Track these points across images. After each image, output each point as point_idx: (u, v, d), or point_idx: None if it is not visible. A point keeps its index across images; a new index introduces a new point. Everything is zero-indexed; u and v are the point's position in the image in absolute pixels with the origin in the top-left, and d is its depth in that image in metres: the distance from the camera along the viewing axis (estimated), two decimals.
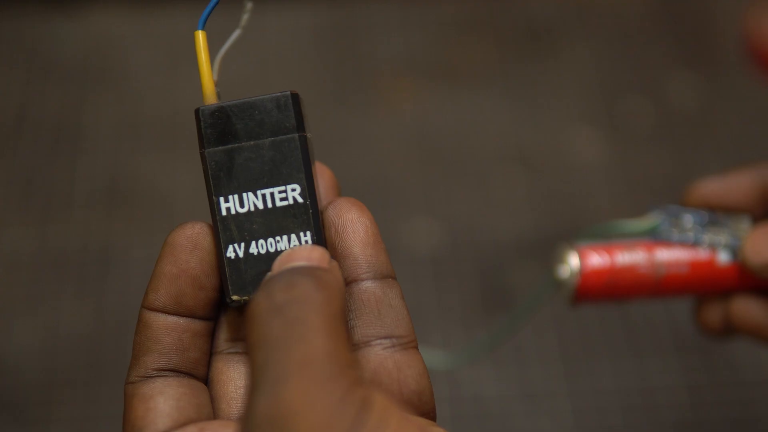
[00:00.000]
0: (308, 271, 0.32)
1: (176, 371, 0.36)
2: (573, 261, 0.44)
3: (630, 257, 0.44)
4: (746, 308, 0.46)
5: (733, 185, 0.46)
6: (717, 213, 0.46)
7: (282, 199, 0.35)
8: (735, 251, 0.45)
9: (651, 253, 0.44)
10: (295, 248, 0.35)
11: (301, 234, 0.34)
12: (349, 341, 0.31)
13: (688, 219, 0.46)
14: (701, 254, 0.45)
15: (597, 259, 0.44)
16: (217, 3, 0.36)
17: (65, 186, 0.91)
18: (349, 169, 0.92)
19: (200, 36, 0.35)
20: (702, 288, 0.46)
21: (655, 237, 0.45)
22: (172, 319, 0.37)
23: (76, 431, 0.77)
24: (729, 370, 0.79)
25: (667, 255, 0.44)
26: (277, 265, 0.34)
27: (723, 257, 0.45)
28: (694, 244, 0.45)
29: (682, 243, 0.45)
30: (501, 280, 0.84)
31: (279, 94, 0.36)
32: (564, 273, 0.44)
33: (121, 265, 0.85)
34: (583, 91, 0.97)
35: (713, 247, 0.45)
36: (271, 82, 1.00)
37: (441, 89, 0.97)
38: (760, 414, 0.77)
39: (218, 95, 0.37)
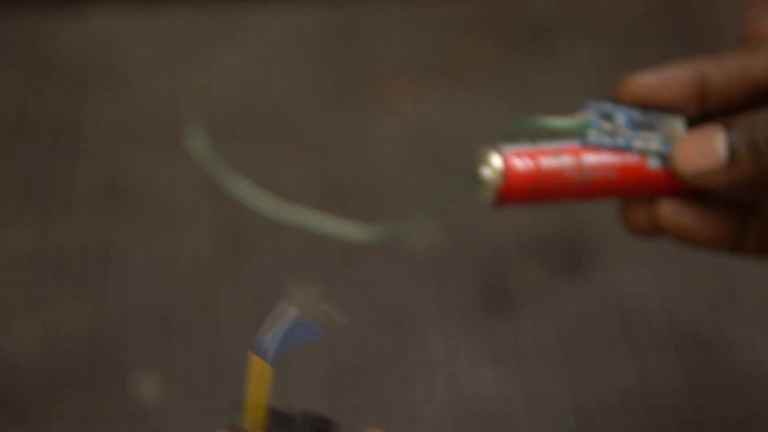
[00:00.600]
0: None
1: None
2: (496, 163, 0.42)
3: (556, 162, 0.42)
4: (674, 211, 0.44)
5: (668, 79, 0.44)
6: (651, 111, 0.44)
7: None
8: (666, 157, 0.43)
9: (578, 158, 0.43)
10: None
11: None
12: None
13: (620, 118, 0.44)
14: (631, 159, 0.43)
15: (521, 163, 0.42)
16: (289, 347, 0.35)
17: (65, 186, 0.91)
18: (349, 169, 0.92)
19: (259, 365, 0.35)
20: (630, 192, 0.44)
21: (584, 138, 0.43)
22: None
23: (76, 431, 0.77)
24: (730, 371, 0.78)
25: (595, 159, 0.43)
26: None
27: (653, 162, 0.43)
28: (625, 149, 0.43)
29: (612, 148, 0.43)
30: (501, 280, 0.84)
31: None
32: (487, 174, 0.42)
33: (121, 265, 0.85)
34: (583, 91, 0.97)
35: (644, 152, 0.43)
36: (271, 82, 1.00)
37: (441, 89, 0.97)
38: (761, 414, 0.77)
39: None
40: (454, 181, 0.45)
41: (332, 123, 0.96)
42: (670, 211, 0.44)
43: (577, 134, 0.44)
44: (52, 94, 0.98)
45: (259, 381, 0.33)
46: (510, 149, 0.43)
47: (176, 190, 0.91)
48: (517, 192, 0.42)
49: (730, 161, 0.40)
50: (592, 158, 0.43)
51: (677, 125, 0.44)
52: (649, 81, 0.44)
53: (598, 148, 0.43)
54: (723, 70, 0.43)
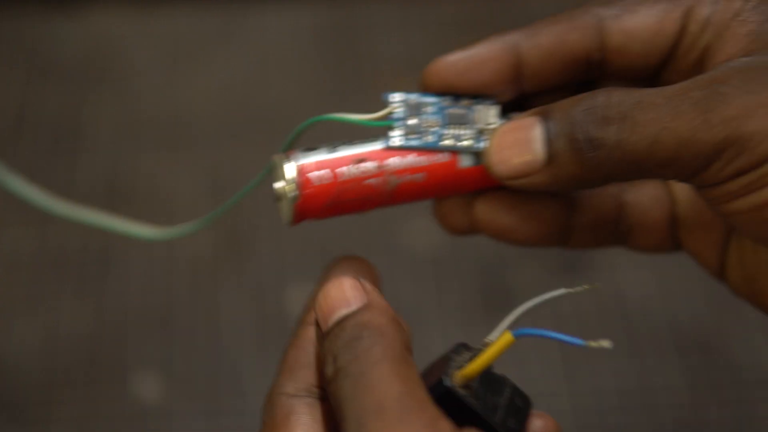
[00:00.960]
0: (357, 323, 0.34)
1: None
2: (290, 174, 0.37)
3: (357, 170, 0.37)
4: (491, 212, 0.40)
5: (477, 59, 0.39)
6: (463, 98, 0.39)
7: None
8: (479, 155, 0.38)
9: (381, 163, 0.37)
10: (325, 291, 0.36)
11: None
12: (417, 376, 0.33)
13: (428, 110, 0.39)
14: (440, 158, 0.38)
15: (317, 176, 0.37)
16: None
17: (65, 185, 0.91)
18: None
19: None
20: (443, 193, 0.39)
21: (387, 139, 0.38)
22: None
23: (76, 431, 0.77)
24: (729, 370, 0.78)
25: (400, 163, 0.38)
26: (321, 318, 0.35)
27: (466, 161, 0.38)
28: (433, 149, 0.38)
29: (419, 149, 0.38)
30: (501, 280, 0.84)
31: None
32: (281, 188, 0.37)
33: (121, 265, 0.85)
34: None
35: (455, 151, 0.38)
36: (271, 82, 1.00)
37: None
38: (761, 414, 0.77)
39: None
40: (251, 183, 0.41)
41: (332, 122, 0.96)
42: (486, 211, 0.40)
43: (383, 132, 0.39)
44: (52, 94, 0.98)
45: (497, 349, 0.33)
46: (307, 158, 0.38)
47: (176, 189, 0.91)
48: (316, 208, 0.37)
49: (549, 160, 0.35)
50: (396, 162, 0.38)
51: (491, 114, 0.39)
52: (456, 63, 0.39)
53: (403, 150, 0.38)
54: (537, 46, 0.39)
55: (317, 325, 0.36)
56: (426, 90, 0.40)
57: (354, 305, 0.35)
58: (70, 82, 0.99)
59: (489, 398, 0.35)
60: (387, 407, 0.31)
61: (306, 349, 0.37)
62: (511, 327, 0.35)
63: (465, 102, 0.39)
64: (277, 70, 1.01)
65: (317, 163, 0.38)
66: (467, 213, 0.41)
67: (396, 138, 0.38)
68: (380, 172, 0.37)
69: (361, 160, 0.38)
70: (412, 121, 0.39)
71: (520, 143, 0.36)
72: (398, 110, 0.39)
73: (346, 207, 0.38)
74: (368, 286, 0.36)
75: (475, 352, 0.35)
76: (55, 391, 0.79)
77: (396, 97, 0.40)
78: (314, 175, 0.37)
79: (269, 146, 0.95)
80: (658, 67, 0.38)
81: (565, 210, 0.41)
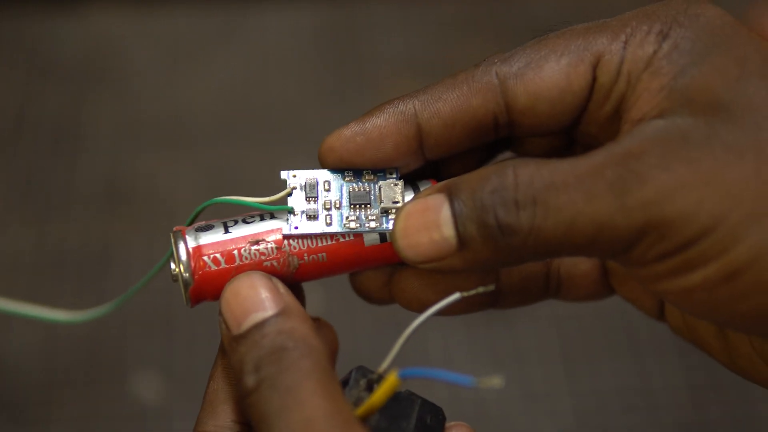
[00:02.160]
0: (278, 330, 0.32)
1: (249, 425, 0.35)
2: (182, 257, 0.35)
3: (254, 252, 0.35)
4: (410, 287, 0.37)
5: (374, 135, 0.36)
6: (364, 172, 0.37)
7: None
8: (387, 235, 0.36)
9: (280, 245, 0.35)
10: (236, 291, 0.34)
11: None
12: (341, 390, 0.31)
13: (328, 189, 0.37)
14: (344, 239, 0.36)
15: (211, 260, 0.35)
16: None
17: (65, 185, 0.91)
18: None
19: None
20: (350, 270, 0.37)
21: (287, 223, 0.36)
22: None
23: (75, 431, 0.77)
24: (729, 370, 0.78)
25: (300, 245, 0.35)
26: (233, 321, 0.33)
27: (371, 239, 0.36)
28: (336, 234, 0.36)
29: (319, 236, 0.36)
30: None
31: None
32: (175, 271, 0.36)
33: (120, 265, 0.85)
34: None
35: (360, 233, 0.36)
36: (271, 82, 1.00)
37: None
38: (761, 414, 0.77)
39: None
40: (158, 264, 0.39)
41: (332, 122, 0.96)
42: (407, 288, 0.38)
43: (280, 213, 0.36)
44: (52, 94, 0.98)
45: (383, 394, 0.31)
46: (202, 238, 0.36)
47: (176, 189, 0.91)
48: (211, 291, 0.35)
49: (461, 246, 0.33)
50: (295, 244, 0.35)
51: (396, 192, 0.36)
52: (352, 139, 0.37)
53: (304, 232, 0.36)
54: (436, 115, 0.36)
55: (224, 324, 0.34)
56: (324, 166, 0.38)
57: (270, 309, 0.33)
58: (70, 82, 0.99)
59: (394, 426, 0.33)
60: (316, 425, 0.30)
61: (225, 382, 0.35)
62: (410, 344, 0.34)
63: (367, 177, 0.37)
64: (277, 70, 1.01)
65: (212, 245, 0.35)
66: (385, 285, 0.39)
67: (294, 224, 0.36)
68: (279, 254, 0.35)
69: (258, 241, 0.35)
70: (311, 205, 0.36)
71: (428, 227, 0.33)
72: (296, 192, 0.37)
73: None
74: (282, 287, 0.34)
75: (370, 378, 0.34)
76: (54, 391, 0.79)
77: (294, 176, 0.37)
78: (208, 258, 0.35)
79: (269, 146, 0.95)
80: (573, 122, 0.36)
81: (489, 277, 0.39)
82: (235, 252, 0.35)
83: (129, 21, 1.05)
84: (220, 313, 0.34)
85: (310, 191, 0.37)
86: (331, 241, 0.36)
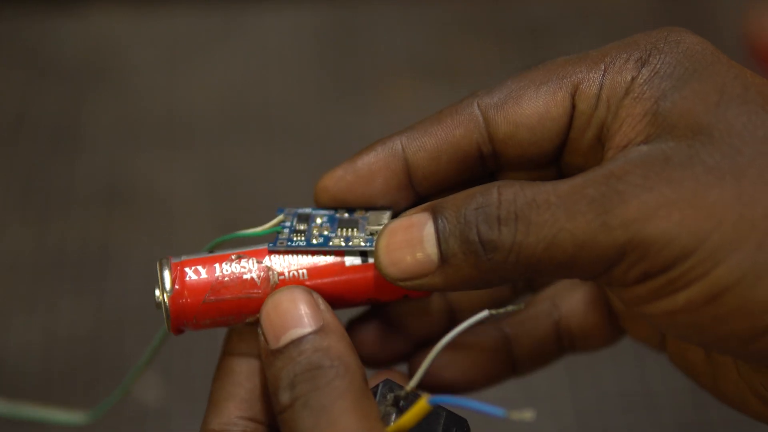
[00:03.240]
0: (316, 348, 0.33)
1: (257, 421, 0.35)
2: (166, 278, 0.36)
3: (236, 264, 0.36)
4: (431, 368, 0.37)
5: (363, 172, 0.37)
6: (357, 210, 0.38)
7: None
8: (369, 255, 0.36)
9: (261, 259, 0.36)
10: (278, 304, 0.34)
11: None
12: (377, 410, 0.32)
13: (319, 220, 0.37)
14: (325, 260, 0.36)
15: (194, 270, 0.36)
16: None
17: (64, 185, 0.91)
18: None
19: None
20: (330, 291, 0.36)
21: (274, 243, 0.37)
22: (255, 364, 0.37)
23: (74, 431, 0.77)
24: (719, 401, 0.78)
25: (280, 261, 0.36)
26: (272, 334, 0.34)
27: (353, 259, 0.36)
28: (319, 249, 0.36)
29: (303, 249, 0.36)
30: None
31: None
32: (159, 295, 0.36)
33: (120, 265, 0.85)
34: None
35: (342, 251, 0.36)
36: (271, 81, 1.00)
37: (442, 88, 0.97)
38: None
39: None
40: (153, 343, 0.41)
41: (332, 122, 0.96)
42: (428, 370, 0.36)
43: (270, 240, 0.37)
44: (52, 94, 0.98)
45: (413, 417, 0.31)
46: (187, 256, 0.36)
47: (175, 189, 0.91)
48: (191, 306, 0.35)
49: (442, 262, 0.33)
50: (276, 260, 0.36)
51: (384, 218, 0.37)
52: (343, 178, 0.38)
53: (288, 251, 0.36)
54: (422, 149, 0.37)
55: (263, 337, 0.34)
56: (319, 206, 0.39)
57: (308, 326, 0.33)
58: (70, 82, 0.99)
59: None
60: None
61: (228, 381, 0.36)
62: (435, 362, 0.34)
63: (360, 213, 0.38)
64: (277, 69, 1.01)
65: (194, 260, 0.36)
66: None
67: (280, 241, 0.36)
68: (260, 268, 0.36)
69: (240, 256, 0.36)
70: (301, 227, 0.37)
71: (411, 243, 0.33)
72: (288, 221, 0.38)
73: (228, 306, 0.36)
74: (322, 303, 0.35)
75: (397, 395, 0.34)
76: (53, 391, 0.78)
77: (287, 211, 0.38)
78: (189, 269, 0.36)
79: (268, 146, 0.95)
80: (556, 152, 0.36)
81: (501, 348, 0.40)
82: (216, 265, 0.36)
83: (129, 21, 1.04)
84: (260, 325, 0.34)
85: (302, 220, 0.37)
86: (312, 259, 0.36)
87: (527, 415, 0.30)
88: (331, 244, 0.36)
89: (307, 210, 0.38)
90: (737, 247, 0.29)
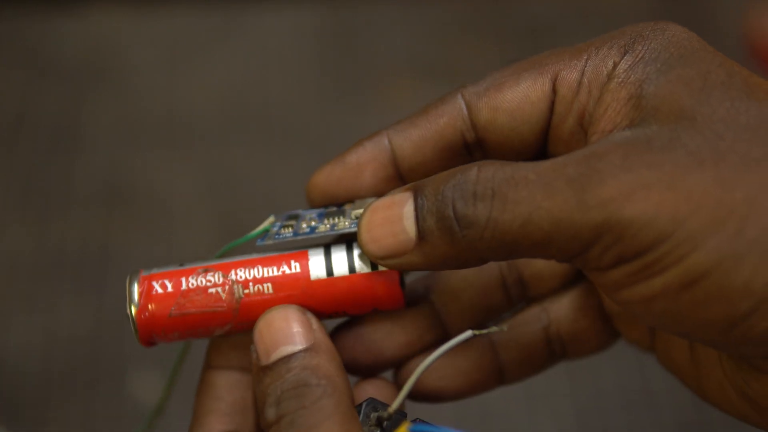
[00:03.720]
0: (305, 365, 0.33)
1: None
2: (134, 292, 0.37)
3: (202, 278, 0.36)
4: (431, 376, 0.39)
5: (351, 165, 0.38)
6: (345, 205, 0.38)
7: None
8: (352, 262, 0.36)
9: (226, 273, 0.36)
10: (271, 321, 0.34)
11: None
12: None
13: (308, 216, 0.38)
14: (290, 271, 0.36)
15: (160, 284, 0.36)
16: None
17: (64, 185, 0.91)
18: None
19: None
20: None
21: (263, 239, 0.37)
22: (236, 376, 0.37)
23: (74, 431, 0.77)
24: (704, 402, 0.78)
25: (245, 274, 0.36)
26: (262, 350, 0.34)
27: (317, 271, 0.36)
28: (306, 237, 0.36)
29: (289, 240, 0.37)
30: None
31: None
32: (128, 308, 0.37)
33: (120, 265, 0.85)
34: None
35: (327, 236, 0.36)
36: (271, 81, 1.00)
37: (442, 88, 0.97)
38: None
39: None
40: (153, 411, 0.41)
41: (332, 122, 0.96)
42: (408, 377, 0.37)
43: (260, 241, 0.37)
44: (52, 94, 0.98)
45: None
46: (157, 269, 0.37)
47: (175, 189, 0.91)
48: (159, 318, 0.36)
49: (420, 239, 0.33)
50: (242, 273, 0.36)
51: (369, 202, 0.37)
52: (332, 172, 0.38)
53: (256, 259, 0.36)
54: (407, 138, 0.37)
55: (255, 353, 0.34)
56: (312, 206, 0.39)
57: (299, 344, 0.34)
58: (70, 82, 0.99)
59: None
60: None
61: (209, 395, 0.36)
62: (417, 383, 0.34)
63: (348, 206, 0.38)
64: (277, 69, 1.01)
65: (162, 273, 0.37)
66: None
67: (269, 236, 0.37)
68: (225, 281, 0.36)
69: (206, 270, 0.36)
70: (288, 222, 0.38)
71: (391, 221, 0.33)
72: (278, 222, 0.38)
73: (194, 320, 0.36)
74: (315, 322, 0.35)
75: (380, 415, 0.34)
76: (53, 390, 0.78)
77: (279, 215, 0.39)
78: (156, 283, 0.37)
79: (268, 146, 0.95)
80: (539, 140, 0.36)
81: (487, 356, 0.40)
82: (183, 279, 0.36)
83: (129, 21, 1.04)
84: (252, 342, 0.35)
85: (291, 217, 0.38)
86: (277, 272, 0.36)
87: None
88: (317, 231, 0.37)
89: (298, 211, 0.39)
90: (715, 232, 0.29)
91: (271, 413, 0.32)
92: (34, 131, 0.95)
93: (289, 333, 0.34)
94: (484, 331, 0.35)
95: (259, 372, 0.34)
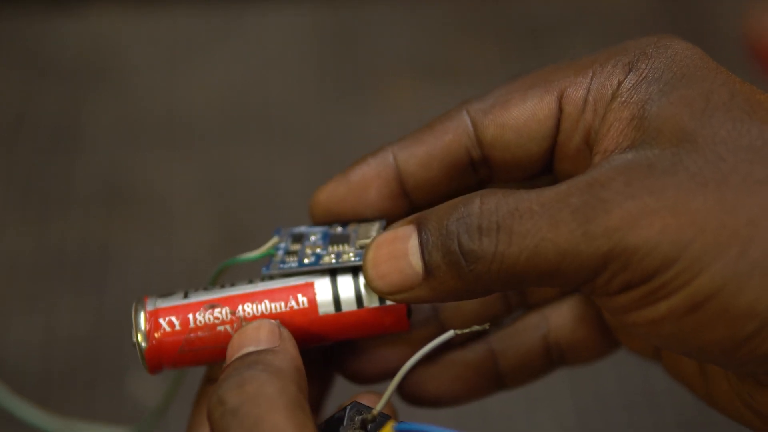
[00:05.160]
0: (257, 359, 0.32)
1: None
2: (141, 324, 0.37)
3: (209, 316, 0.36)
4: (413, 383, 0.39)
5: (356, 182, 0.38)
6: (351, 223, 0.38)
7: None
8: (359, 295, 0.36)
9: (234, 309, 0.36)
10: (243, 329, 0.35)
11: None
12: (314, 424, 0.31)
13: (313, 238, 0.38)
14: (298, 306, 0.36)
15: (167, 321, 0.36)
16: None
17: (64, 185, 0.91)
18: None
19: None
20: (304, 342, 0.36)
21: (266, 266, 0.37)
22: None
23: None
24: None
25: (253, 310, 0.36)
26: (229, 353, 0.34)
27: (326, 308, 0.36)
28: (310, 269, 0.36)
29: (294, 271, 0.36)
30: None
31: None
32: (134, 337, 0.37)
33: (119, 265, 0.85)
34: None
35: (332, 269, 0.36)
36: (271, 81, 1.00)
37: (442, 88, 0.97)
38: None
39: None
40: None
41: (332, 122, 0.96)
42: (409, 384, 0.38)
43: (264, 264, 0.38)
44: (52, 94, 0.98)
45: None
46: (162, 303, 0.37)
47: (175, 189, 0.91)
48: (167, 355, 0.37)
49: (427, 275, 0.33)
50: (249, 309, 0.36)
51: (373, 229, 0.37)
52: (335, 190, 0.38)
53: (262, 292, 0.36)
54: (413, 155, 0.37)
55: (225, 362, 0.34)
56: (315, 223, 0.39)
57: (262, 345, 0.34)
58: (69, 82, 0.99)
59: None
60: None
61: (205, 406, 0.35)
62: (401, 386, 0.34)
63: (353, 226, 0.38)
64: (277, 69, 1.01)
65: (168, 309, 0.37)
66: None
67: (273, 264, 0.37)
68: (233, 318, 0.36)
69: (213, 306, 0.36)
70: (293, 248, 0.37)
71: (396, 256, 0.33)
72: (283, 242, 0.38)
73: (203, 355, 0.36)
74: (286, 334, 0.34)
75: (365, 418, 0.33)
76: (53, 391, 0.78)
77: (282, 232, 0.39)
78: (164, 321, 0.36)
79: (268, 146, 0.95)
80: (546, 157, 0.36)
81: (485, 362, 0.40)
82: (190, 316, 0.36)
83: (128, 21, 1.04)
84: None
85: (295, 240, 0.37)
86: (284, 308, 0.36)
87: None
88: (322, 262, 0.36)
89: (302, 229, 0.38)
90: (719, 255, 0.29)
91: (213, 399, 0.31)
92: (34, 131, 0.95)
93: (255, 337, 0.34)
94: (466, 330, 0.35)
95: (221, 371, 0.34)
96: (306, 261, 0.36)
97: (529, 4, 1.05)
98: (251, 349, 0.33)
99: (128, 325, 0.37)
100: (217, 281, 0.39)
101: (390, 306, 0.36)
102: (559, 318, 0.40)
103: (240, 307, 0.36)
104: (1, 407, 0.47)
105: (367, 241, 0.36)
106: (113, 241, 0.87)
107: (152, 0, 1.05)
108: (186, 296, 0.37)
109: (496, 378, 0.40)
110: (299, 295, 0.36)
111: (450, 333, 0.34)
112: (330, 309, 0.36)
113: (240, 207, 0.90)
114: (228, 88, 0.99)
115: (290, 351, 0.34)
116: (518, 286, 0.33)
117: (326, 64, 1.02)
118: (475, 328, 0.35)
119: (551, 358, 0.41)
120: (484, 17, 1.04)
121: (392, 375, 0.39)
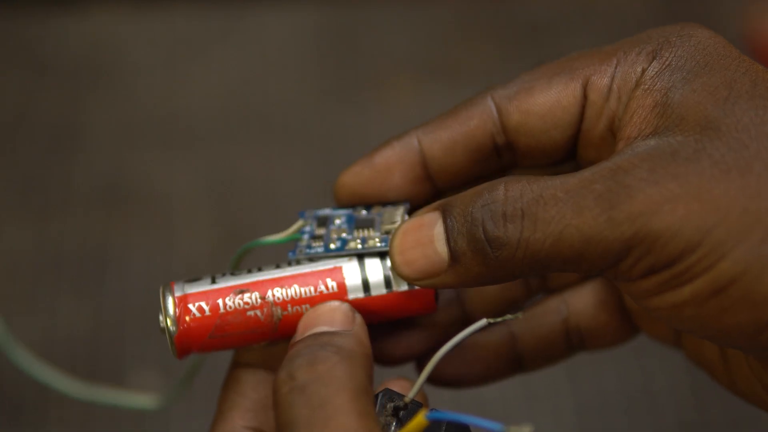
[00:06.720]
0: (330, 341, 0.33)
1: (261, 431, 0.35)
2: (170, 309, 0.36)
3: (239, 301, 0.36)
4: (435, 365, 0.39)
5: (380, 165, 0.38)
6: (375, 206, 0.38)
7: None
8: (387, 279, 0.36)
9: (264, 294, 0.36)
10: (318, 307, 0.35)
11: None
12: (375, 412, 0.31)
13: (337, 221, 0.38)
14: (327, 291, 0.36)
15: (197, 307, 0.36)
16: None
17: (63, 185, 0.91)
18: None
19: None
20: None
21: (294, 250, 0.37)
22: (262, 375, 0.37)
23: (73, 431, 0.77)
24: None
25: (283, 294, 0.36)
26: (301, 329, 0.34)
27: (355, 293, 0.36)
28: (336, 254, 0.36)
29: (320, 256, 0.37)
30: None
31: None
32: (163, 322, 0.37)
33: (119, 265, 0.85)
34: None
35: (359, 254, 0.36)
36: (271, 81, 1.00)
37: (442, 88, 0.97)
38: (762, 415, 0.77)
39: None
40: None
41: (333, 121, 0.96)
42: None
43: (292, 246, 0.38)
44: (51, 94, 0.98)
45: (415, 428, 0.32)
46: (190, 288, 0.37)
47: (174, 189, 0.91)
48: (196, 340, 0.36)
49: (453, 261, 0.33)
50: (279, 293, 0.36)
51: (398, 214, 0.37)
52: (360, 173, 0.38)
53: (291, 277, 0.36)
54: (437, 140, 0.37)
55: (293, 339, 0.35)
56: (340, 205, 0.39)
57: (337, 326, 0.34)
58: (69, 82, 0.99)
59: None
60: None
61: (234, 391, 0.36)
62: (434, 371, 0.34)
63: (377, 209, 0.38)
64: (277, 69, 1.01)
65: (197, 294, 0.36)
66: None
67: (299, 249, 0.37)
68: (263, 304, 0.36)
69: (242, 291, 0.36)
70: (319, 232, 0.38)
71: (422, 243, 0.34)
72: (308, 226, 0.38)
73: (232, 340, 0.36)
74: (359, 319, 0.35)
75: (397, 405, 0.34)
76: (53, 391, 0.78)
77: (307, 214, 0.39)
78: (193, 306, 0.36)
79: (268, 146, 0.95)
80: (569, 144, 0.36)
81: (506, 345, 0.41)
82: (220, 301, 0.36)
83: (129, 21, 1.04)
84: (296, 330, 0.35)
85: (320, 223, 0.38)
86: (313, 292, 0.36)
87: (526, 429, 0.30)
88: (347, 247, 0.37)
89: (327, 211, 0.39)
90: (742, 240, 0.29)
91: (282, 374, 0.32)
92: (34, 131, 0.95)
93: (329, 318, 0.35)
94: (499, 320, 0.35)
95: (290, 347, 0.34)
96: (332, 246, 0.37)
97: (529, 4, 1.05)
98: (324, 329, 0.34)
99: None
100: (238, 264, 0.39)
101: (419, 289, 0.36)
102: (580, 302, 0.41)
103: (269, 292, 0.36)
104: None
105: (393, 226, 0.37)
106: (113, 241, 0.87)
107: (152, 0, 1.05)
108: (214, 281, 0.37)
109: (516, 361, 0.41)
110: (328, 280, 0.36)
111: (483, 322, 0.34)
112: (359, 293, 0.36)
113: (240, 207, 0.90)
114: (228, 88, 0.99)
115: (362, 337, 0.34)
116: (543, 272, 0.33)
117: (326, 63, 1.02)
118: (508, 317, 0.35)
119: (571, 342, 0.41)
120: (484, 17, 1.04)
121: (416, 357, 0.40)
